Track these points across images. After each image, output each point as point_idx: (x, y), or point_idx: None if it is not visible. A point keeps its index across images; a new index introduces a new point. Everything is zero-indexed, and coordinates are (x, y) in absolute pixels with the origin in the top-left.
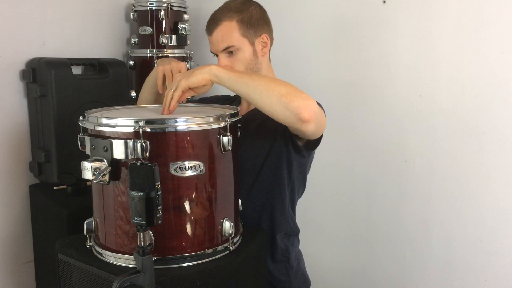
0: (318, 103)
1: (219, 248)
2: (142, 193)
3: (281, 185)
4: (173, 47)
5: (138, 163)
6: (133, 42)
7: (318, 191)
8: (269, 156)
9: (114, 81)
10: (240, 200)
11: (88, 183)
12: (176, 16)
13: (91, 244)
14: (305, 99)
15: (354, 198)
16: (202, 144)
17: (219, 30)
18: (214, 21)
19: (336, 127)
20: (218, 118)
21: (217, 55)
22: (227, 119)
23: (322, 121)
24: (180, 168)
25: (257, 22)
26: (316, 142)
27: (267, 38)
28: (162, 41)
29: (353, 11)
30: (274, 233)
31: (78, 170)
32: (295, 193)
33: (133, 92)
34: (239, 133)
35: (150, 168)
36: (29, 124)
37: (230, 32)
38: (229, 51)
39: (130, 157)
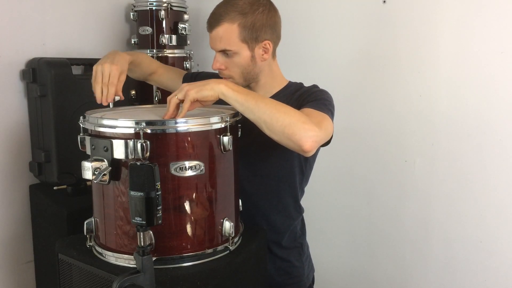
0: (330, 104)
1: (219, 248)
2: (142, 193)
3: (294, 176)
4: (173, 47)
5: (138, 163)
6: (133, 42)
7: (318, 191)
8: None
9: None
10: (240, 200)
11: (88, 183)
12: (176, 16)
13: (91, 244)
14: (307, 130)
15: (354, 198)
16: (202, 144)
17: (218, 29)
18: (215, 18)
19: (336, 127)
20: (218, 119)
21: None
22: (228, 120)
23: (326, 137)
24: (180, 168)
25: (260, 28)
26: (326, 143)
27: (269, 44)
28: (162, 41)
29: (353, 11)
30: (293, 220)
31: (78, 170)
32: (307, 179)
33: (133, 91)
34: (240, 133)
35: (150, 168)
36: (29, 124)
37: (228, 35)
38: (227, 53)
39: (130, 157)
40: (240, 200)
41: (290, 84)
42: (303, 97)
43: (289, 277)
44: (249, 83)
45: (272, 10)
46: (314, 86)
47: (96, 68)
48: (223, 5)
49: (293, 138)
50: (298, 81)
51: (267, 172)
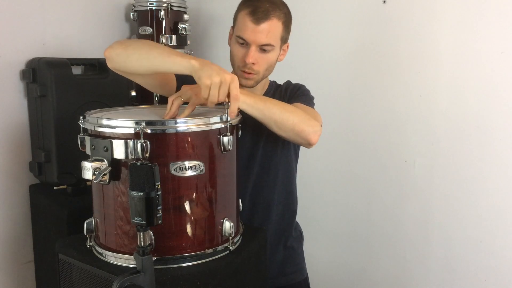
0: (312, 98)
1: (219, 248)
2: (142, 193)
3: (292, 163)
4: (173, 47)
5: (138, 163)
6: None
7: (318, 191)
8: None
9: (114, 81)
10: (240, 200)
11: (88, 183)
12: (176, 16)
13: (91, 244)
14: (313, 126)
15: (354, 198)
16: (202, 144)
17: (267, 24)
18: (265, 13)
19: (336, 127)
20: (218, 119)
21: (243, 43)
22: (228, 120)
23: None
24: (180, 168)
25: (290, 30)
26: None
27: (287, 47)
28: (162, 41)
29: (353, 11)
30: (295, 210)
31: (78, 170)
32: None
33: (133, 92)
34: (240, 132)
35: (150, 168)
36: (29, 124)
37: (276, 31)
38: (265, 48)
39: (130, 157)
40: (240, 200)
41: (272, 84)
42: (290, 94)
43: (293, 264)
44: (261, 80)
45: None
46: (290, 82)
47: (212, 81)
48: (265, 2)
49: (302, 134)
50: (299, 81)
51: (275, 163)
